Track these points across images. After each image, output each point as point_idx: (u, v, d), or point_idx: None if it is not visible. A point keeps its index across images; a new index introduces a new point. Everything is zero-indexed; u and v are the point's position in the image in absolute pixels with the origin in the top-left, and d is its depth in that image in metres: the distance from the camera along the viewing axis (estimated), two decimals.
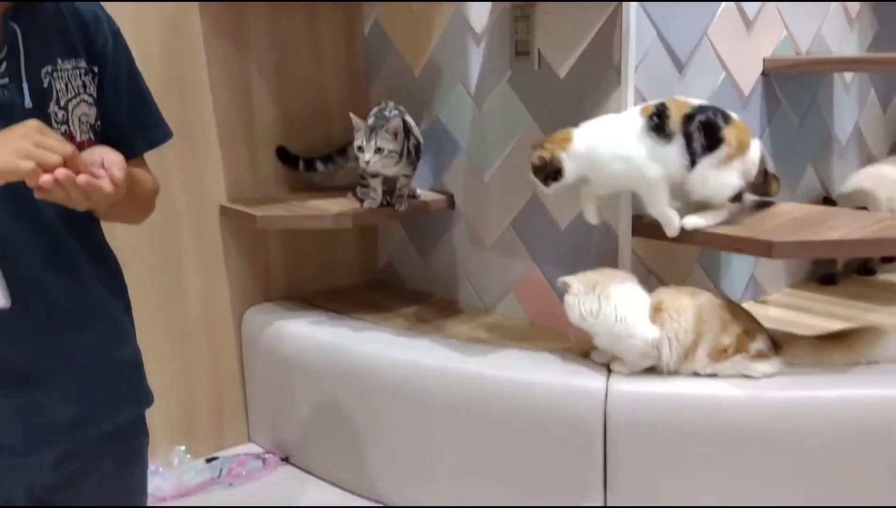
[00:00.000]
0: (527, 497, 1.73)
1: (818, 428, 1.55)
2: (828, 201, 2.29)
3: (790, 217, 1.79)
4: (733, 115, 1.70)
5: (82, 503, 1.17)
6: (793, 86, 2.17)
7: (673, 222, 1.69)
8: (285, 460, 2.15)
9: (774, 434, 1.56)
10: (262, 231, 2.21)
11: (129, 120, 1.19)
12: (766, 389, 1.59)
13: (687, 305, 1.62)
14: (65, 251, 1.11)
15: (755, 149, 1.72)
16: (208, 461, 2.12)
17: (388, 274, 2.45)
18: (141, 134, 1.21)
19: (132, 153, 1.16)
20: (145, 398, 1.27)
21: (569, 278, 1.67)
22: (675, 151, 1.65)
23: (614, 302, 1.62)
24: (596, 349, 1.73)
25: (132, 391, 1.24)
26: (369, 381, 1.90)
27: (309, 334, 2.06)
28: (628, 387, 1.64)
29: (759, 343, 1.61)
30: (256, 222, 2.01)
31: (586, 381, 1.66)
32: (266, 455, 2.16)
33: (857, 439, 1.54)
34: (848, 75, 2.35)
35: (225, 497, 1.99)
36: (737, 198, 1.72)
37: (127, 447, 1.25)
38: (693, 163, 1.67)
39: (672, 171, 1.67)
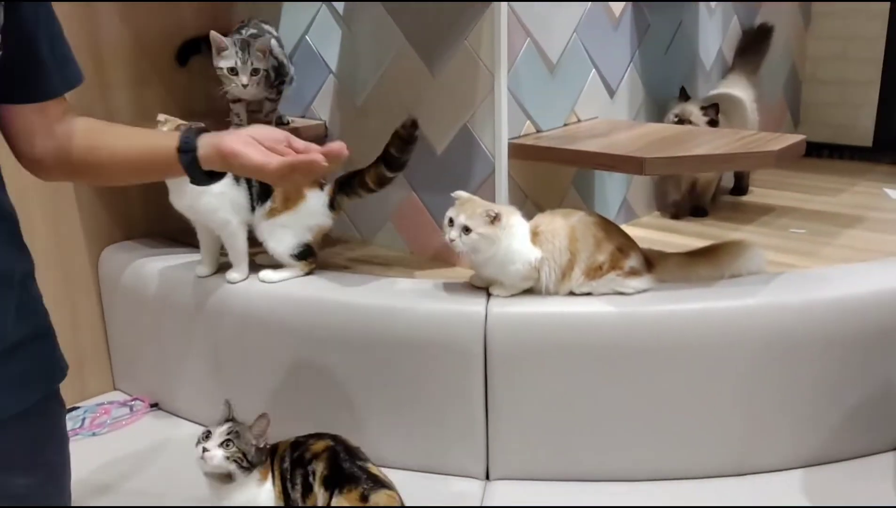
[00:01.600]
0: (415, 420, 1.71)
1: (686, 339, 1.60)
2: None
3: (660, 136, 1.81)
4: None
5: None
6: (661, 10, 2.19)
7: (240, 271, 1.81)
8: (155, 405, 2.03)
9: (646, 347, 1.60)
10: None
11: (50, 55, 1.01)
12: (636, 304, 1.62)
13: (560, 226, 1.62)
14: None
15: (314, 200, 1.75)
16: (69, 410, 1.97)
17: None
18: (61, 72, 1.04)
19: (52, 95, 1.02)
20: (57, 371, 1.10)
21: (468, 222, 1.56)
22: (243, 195, 1.74)
23: (507, 232, 1.59)
24: (475, 274, 1.71)
25: (42, 366, 1.06)
26: (239, 317, 1.81)
27: (172, 272, 1.93)
28: (506, 310, 1.64)
29: (633, 260, 1.63)
30: None
31: (467, 306, 1.64)
32: (133, 402, 2.03)
33: (722, 347, 1.60)
34: (712, 3, 2.40)
35: (89, 448, 1.86)
36: (303, 255, 1.77)
37: (39, 426, 1.07)
38: (253, 210, 1.76)
39: (245, 217, 1.77)
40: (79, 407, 2.00)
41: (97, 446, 1.86)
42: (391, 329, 1.67)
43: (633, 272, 1.62)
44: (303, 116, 2.14)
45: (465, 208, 1.56)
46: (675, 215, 2.23)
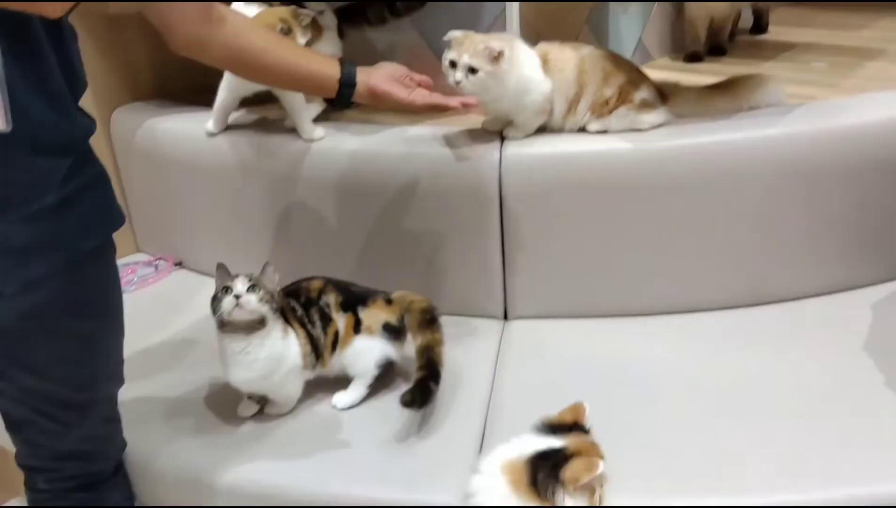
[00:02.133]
0: (434, 266, 1.74)
1: (702, 172, 1.59)
2: None
3: None
4: None
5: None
6: None
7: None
8: (179, 264, 2.08)
9: (662, 182, 1.60)
10: (119, 23, 1.99)
11: None
12: (651, 140, 1.60)
13: (570, 57, 1.58)
14: None
15: None
16: None
17: None
18: None
19: None
20: (116, 218, 1.19)
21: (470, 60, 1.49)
22: None
23: (515, 63, 1.54)
24: (487, 117, 1.69)
25: (101, 214, 1.16)
26: (255, 171, 1.81)
27: (184, 129, 1.92)
28: (521, 151, 1.63)
29: (644, 93, 1.60)
30: (108, 6, 1.80)
31: (480, 149, 1.63)
32: (157, 261, 2.08)
33: (740, 179, 1.60)
34: None
35: None
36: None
37: (102, 270, 1.19)
38: None
39: None
40: None
41: (126, 302, 1.91)
42: (406, 176, 1.67)
43: (644, 105, 1.59)
44: None
45: (465, 46, 1.49)
46: (694, 57, 2.17)
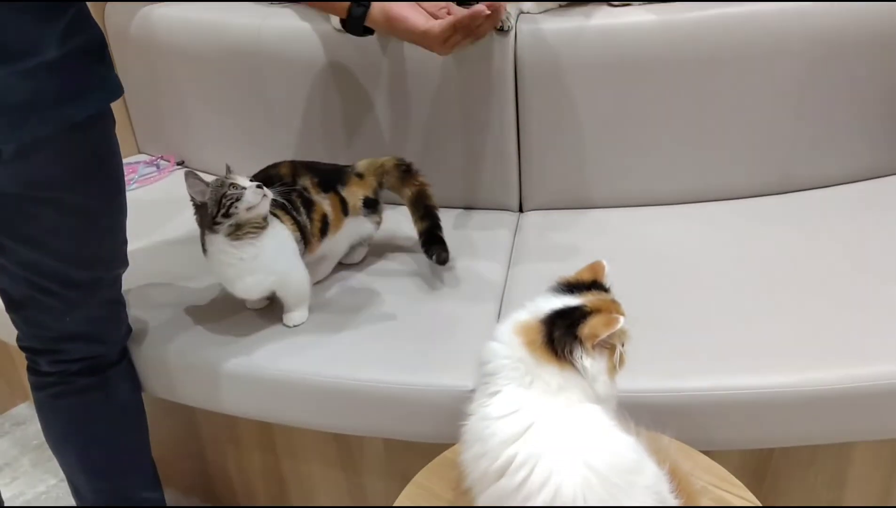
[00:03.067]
0: (448, 156, 1.65)
1: (730, 47, 1.49)
2: None
3: None
4: None
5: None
6: None
7: None
8: (181, 164, 2.00)
9: (687, 58, 1.50)
10: None
11: None
12: (674, 12, 1.50)
13: None
14: None
15: None
16: None
17: None
18: None
19: None
20: (115, 88, 1.16)
21: None
22: None
23: None
24: None
25: (98, 81, 1.12)
26: (254, 57, 1.71)
27: (180, 13, 1.82)
28: (536, 26, 1.53)
29: None
30: None
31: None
32: (159, 160, 2.00)
33: (770, 53, 1.49)
34: None
35: None
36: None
37: (98, 140, 1.15)
38: None
39: None
40: None
41: (128, 200, 1.85)
42: (415, 59, 1.58)
43: None
44: None
45: None
46: None
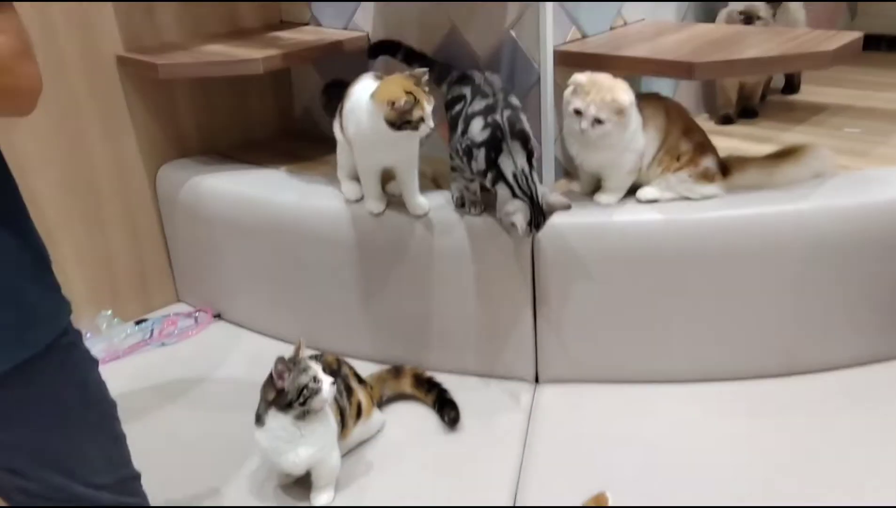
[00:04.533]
0: (466, 326, 1.77)
1: (736, 245, 1.61)
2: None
3: (709, 39, 1.77)
4: None
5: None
6: None
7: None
8: (217, 316, 2.13)
9: (694, 254, 1.62)
10: (167, 83, 2.07)
11: None
12: (684, 212, 1.63)
13: (658, 104, 1.64)
14: None
15: None
16: (138, 323, 2.09)
17: (305, 122, 2.36)
18: None
19: None
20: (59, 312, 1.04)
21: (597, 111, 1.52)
22: None
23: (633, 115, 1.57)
24: (579, 179, 1.74)
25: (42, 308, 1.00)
26: (293, 230, 1.87)
27: (227, 187, 1.99)
28: (553, 220, 1.65)
29: (709, 161, 1.63)
30: (158, 71, 1.88)
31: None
32: (197, 313, 2.13)
33: (773, 252, 1.61)
34: None
35: (159, 357, 1.98)
36: None
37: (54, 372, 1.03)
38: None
39: None
40: (147, 319, 2.11)
41: (168, 355, 1.98)
42: (441, 240, 1.72)
43: (706, 175, 1.62)
44: (345, 28, 2.13)
45: (592, 96, 1.53)
46: (726, 120, 2.19)
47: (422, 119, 1.50)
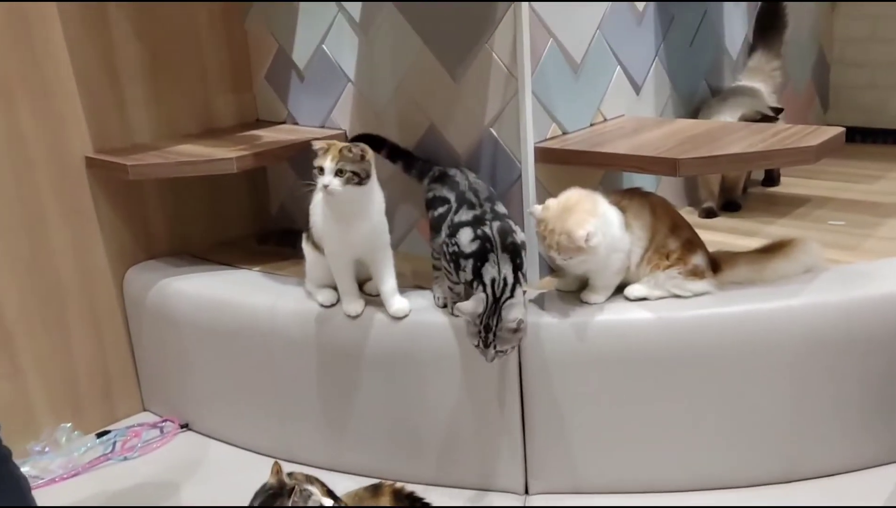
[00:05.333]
0: (451, 435, 1.67)
1: (727, 344, 1.54)
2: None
3: (690, 134, 1.75)
4: None
5: None
6: (684, 2, 2.13)
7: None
8: (185, 427, 2.01)
9: (685, 354, 1.55)
10: (137, 183, 2.02)
11: None
12: (673, 310, 1.57)
13: (643, 202, 1.60)
14: None
15: None
16: (99, 435, 1.96)
17: (282, 220, 2.30)
18: None
19: None
20: None
21: (584, 226, 1.47)
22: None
23: (606, 226, 1.52)
24: (560, 279, 1.69)
25: None
26: (267, 336, 1.78)
27: (197, 291, 1.91)
28: (540, 320, 1.59)
29: (699, 258, 1.58)
30: (128, 172, 1.82)
31: None
32: (163, 423, 2.01)
33: (765, 351, 1.55)
34: None
35: (121, 472, 1.84)
36: None
37: None
38: None
39: None
40: (109, 431, 1.98)
41: (130, 470, 1.84)
42: (421, 345, 1.63)
43: (695, 273, 1.57)
44: (322, 126, 2.10)
45: (556, 231, 1.48)
46: (709, 213, 2.16)
47: (321, 169, 1.48)
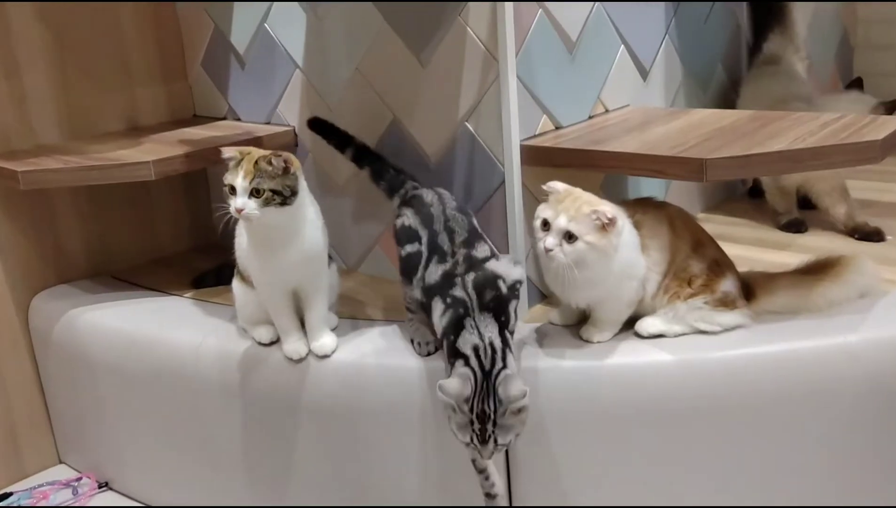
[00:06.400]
0: (423, 496, 1.34)
1: (765, 392, 1.22)
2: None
3: (713, 127, 1.42)
4: None
5: None
6: None
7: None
8: (104, 485, 1.67)
9: (713, 404, 1.23)
10: (44, 193, 1.68)
11: None
12: (697, 350, 1.24)
13: (660, 216, 1.28)
14: None
15: None
16: (1, 497, 1.62)
17: (226, 236, 1.95)
18: None
19: None
20: None
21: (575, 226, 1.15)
22: None
23: (624, 238, 1.20)
24: (558, 309, 1.36)
25: None
26: (192, 379, 1.44)
27: (110, 322, 1.57)
28: (535, 363, 1.26)
29: (729, 284, 1.26)
30: (19, 180, 1.48)
31: None
32: (77, 482, 1.67)
33: (814, 399, 1.22)
34: None
35: None
36: None
37: None
38: None
39: None
40: (10, 493, 1.64)
41: None
42: (387, 391, 1.30)
43: (725, 302, 1.25)
44: (268, 123, 1.77)
45: (567, 205, 1.16)
46: (798, 228, 1.76)
47: (232, 189, 1.19)
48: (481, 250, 1.23)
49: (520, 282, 1.21)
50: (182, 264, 1.86)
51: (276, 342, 1.38)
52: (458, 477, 1.29)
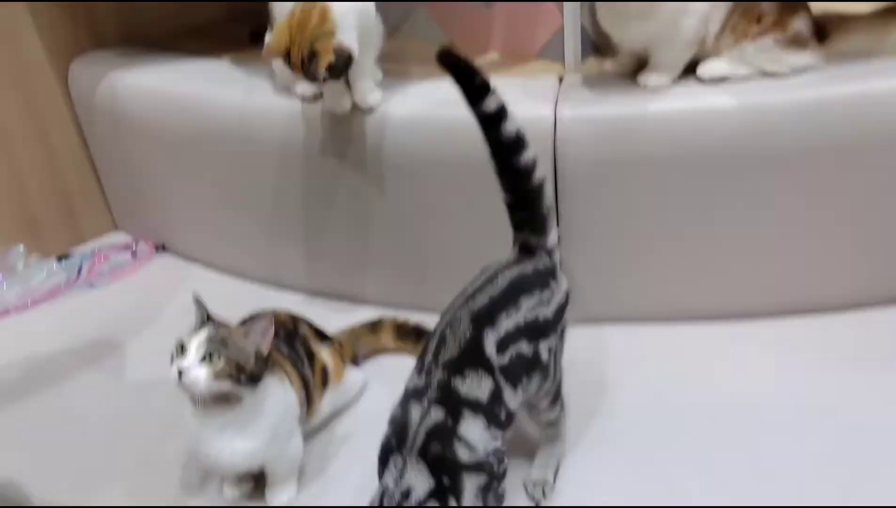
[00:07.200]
0: (470, 254, 1.36)
1: (825, 138, 1.17)
2: None
3: None
4: None
5: None
6: None
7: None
8: (161, 248, 1.72)
9: (770, 152, 1.19)
10: None
11: None
12: (756, 93, 1.18)
13: None
14: None
15: None
16: (60, 259, 1.68)
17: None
18: None
19: None
20: None
21: None
22: None
23: None
24: (617, 56, 1.29)
25: None
26: (238, 137, 1.43)
27: (151, 84, 1.54)
28: (581, 112, 1.22)
29: (801, 22, 1.18)
30: None
31: (528, 109, 1.20)
32: (136, 245, 1.72)
33: (876, 145, 1.17)
34: None
35: (87, 302, 1.58)
36: None
37: None
38: None
39: None
40: (70, 255, 1.69)
41: (97, 300, 1.58)
42: (437, 147, 1.28)
43: (796, 41, 1.17)
44: None
45: None
46: None
47: (330, 67, 1.12)
48: (469, 388, 0.87)
49: (495, 461, 0.86)
50: (215, 29, 1.80)
51: (319, 96, 1.34)
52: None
